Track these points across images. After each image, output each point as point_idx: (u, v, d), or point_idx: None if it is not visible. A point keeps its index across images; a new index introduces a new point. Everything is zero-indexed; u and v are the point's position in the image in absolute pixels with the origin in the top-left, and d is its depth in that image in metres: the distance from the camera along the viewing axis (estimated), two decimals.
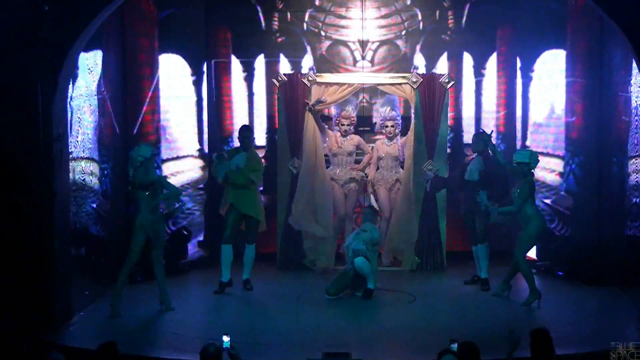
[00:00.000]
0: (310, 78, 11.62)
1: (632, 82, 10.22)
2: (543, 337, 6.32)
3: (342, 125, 11.71)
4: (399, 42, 12.59)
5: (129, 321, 9.35)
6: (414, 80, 11.47)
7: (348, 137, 11.78)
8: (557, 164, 11.85)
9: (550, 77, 11.92)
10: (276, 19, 12.56)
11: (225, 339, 6.51)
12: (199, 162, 12.38)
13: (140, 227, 9.54)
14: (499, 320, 8.62)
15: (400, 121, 11.69)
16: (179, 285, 10.76)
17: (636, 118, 10.13)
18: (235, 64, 12.68)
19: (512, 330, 6.45)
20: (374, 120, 12.37)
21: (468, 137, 12.26)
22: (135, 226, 9.57)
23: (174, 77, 12.04)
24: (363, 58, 12.55)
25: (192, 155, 12.30)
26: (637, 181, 10.20)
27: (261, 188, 11.31)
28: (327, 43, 12.61)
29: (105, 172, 11.14)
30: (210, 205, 12.10)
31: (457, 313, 9.75)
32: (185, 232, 11.86)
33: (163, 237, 9.81)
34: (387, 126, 11.62)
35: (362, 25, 12.44)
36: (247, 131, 10.80)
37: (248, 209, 10.50)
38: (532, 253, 11.13)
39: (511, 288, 10.28)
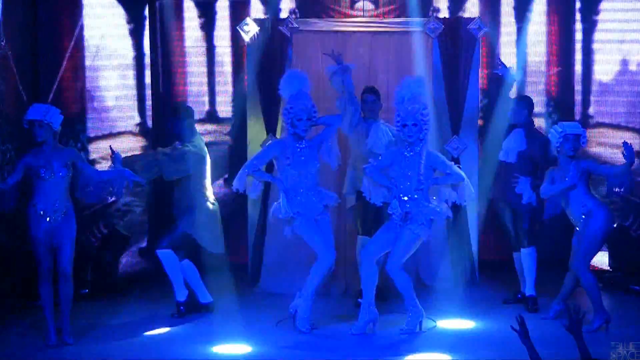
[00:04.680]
0: (290, 25, 10.53)
1: None
2: None
3: (299, 120, 8.52)
4: None
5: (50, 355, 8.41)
6: (433, 27, 10.44)
7: (306, 146, 8.62)
8: (632, 140, 10.61)
9: (621, 21, 11.11)
10: None
11: None
12: (141, 141, 11.30)
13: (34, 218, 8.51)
14: (551, 352, 7.60)
15: (428, 118, 8.62)
16: (113, 305, 10.04)
17: None
18: (189, 7, 11.63)
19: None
20: None
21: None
22: (29, 216, 8.50)
23: (103, 26, 11.06)
24: None
25: (130, 132, 11.26)
26: None
27: (226, 176, 10.93)
28: None
29: (7, 155, 10.08)
30: (155, 201, 11.07)
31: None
32: (123, 236, 10.96)
33: (71, 239, 8.65)
34: (405, 125, 8.45)
35: None
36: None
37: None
38: (597, 261, 10.27)
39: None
